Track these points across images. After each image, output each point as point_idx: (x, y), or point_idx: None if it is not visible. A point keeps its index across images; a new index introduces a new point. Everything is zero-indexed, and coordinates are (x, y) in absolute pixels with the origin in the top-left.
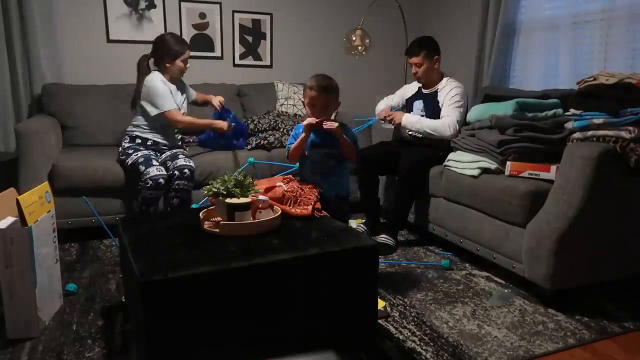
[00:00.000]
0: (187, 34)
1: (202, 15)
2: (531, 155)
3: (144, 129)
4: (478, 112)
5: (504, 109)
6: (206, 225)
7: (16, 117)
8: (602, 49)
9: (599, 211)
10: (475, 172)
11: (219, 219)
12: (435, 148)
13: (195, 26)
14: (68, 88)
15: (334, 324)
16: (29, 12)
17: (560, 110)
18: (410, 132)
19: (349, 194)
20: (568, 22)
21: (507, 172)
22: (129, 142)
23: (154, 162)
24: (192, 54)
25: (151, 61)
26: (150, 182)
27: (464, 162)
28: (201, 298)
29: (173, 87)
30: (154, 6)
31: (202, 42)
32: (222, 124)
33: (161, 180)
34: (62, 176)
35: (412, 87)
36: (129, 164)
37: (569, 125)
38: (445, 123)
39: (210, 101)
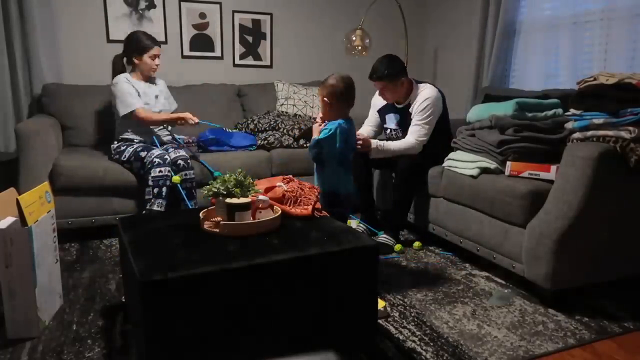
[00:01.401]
0: (187, 34)
1: (202, 15)
2: (531, 155)
3: (127, 131)
4: (478, 112)
5: (504, 109)
6: (206, 225)
7: (16, 117)
8: (602, 49)
9: (599, 211)
10: (475, 172)
11: (219, 219)
12: (433, 147)
13: (195, 26)
14: (68, 88)
15: (334, 324)
16: (29, 12)
17: (560, 110)
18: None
19: (333, 190)
20: (568, 22)
21: (507, 172)
22: (117, 143)
23: (154, 147)
24: (192, 53)
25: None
26: (157, 159)
27: (463, 162)
28: (201, 298)
29: (142, 84)
30: (154, 6)
31: (202, 42)
32: (186, 115)
33: (166, 156)
34: (62, 176)
35: (380, 98)
36: (126, 158)
37: (569, 125)
38: (410, 143)
39: (182, 119)
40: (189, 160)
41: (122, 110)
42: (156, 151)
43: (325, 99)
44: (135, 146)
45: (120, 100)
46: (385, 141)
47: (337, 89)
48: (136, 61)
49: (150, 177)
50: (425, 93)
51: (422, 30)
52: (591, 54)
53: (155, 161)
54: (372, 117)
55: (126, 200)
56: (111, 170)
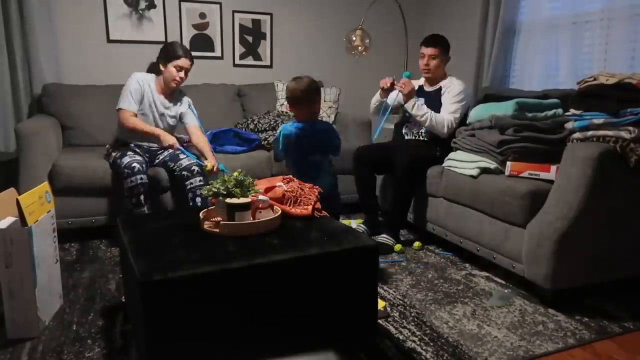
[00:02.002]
0: (187, 34)
1: (202, 15)
2: (531, 155)
3: (124, 133)
4: (478, 112)
5: (504, 109)
6: (206, 225)
7: (16, 117)
8: (602, 49)
9: (599, 211)
10: (475, 172)
11: (219, 219)
12: (431, 147)
13: (195, 26)
14: (68, 88)
15: (334, 324)
16: (29, 12)
17: (560, 110)
18: (405, 130)
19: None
20: (568, 22)
21: (507, 172)
22: (112, 144)
23: (128, 153)
24: (193, 53)
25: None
26: (127, 170)
27: (463, 162)
28: (201, 298)
29: (157, 96)
30: (154, 6)
31: (202, 42)
32: (169, 138)
33: (135, 164)
34: (62, 176)
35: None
36: (110, 162)
37: (569, 125)
38: (445, 121)
39: (159, 137)
40: (192, 169)
41: (117, 105)
42: (127, 159)
43: (286, 102)
44: (117, 153)
45: (122, 95)
46: (425, 106)
47: (294, 93)
48: (162, 68)
49: (124, 189)
50: (459, 83)
51: (422, 30)
52: (591, 54)
53: (124, 172)
54: (392, 94)
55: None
56: (111, 170)
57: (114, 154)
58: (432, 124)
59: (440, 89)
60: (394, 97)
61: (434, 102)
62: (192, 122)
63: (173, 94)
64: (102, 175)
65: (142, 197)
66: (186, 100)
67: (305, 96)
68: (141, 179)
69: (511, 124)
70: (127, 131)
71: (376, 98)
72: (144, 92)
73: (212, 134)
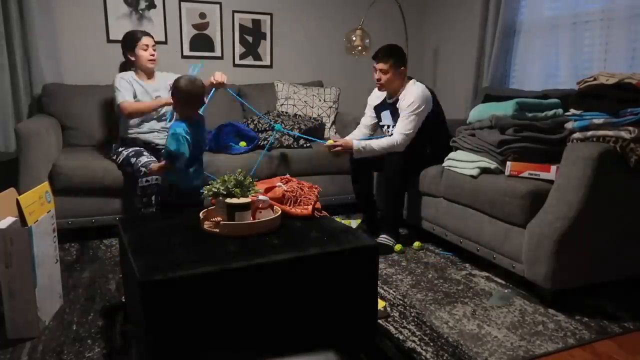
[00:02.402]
0: (187, 34)
1: (202, 15)
2: (531, 155)
3: (129, 130)
4: (478, 112)
5: (504, 109)
6: (206, 225)
7: (16, 117)
8: (602, 49)
9: (599, 211)
10: (475, 172)
11: (219, 219)
12: (420, 146)
13: (195, 26)
14: (68, 88)
15: (334, 324)
16: (29, 12)
17: (560, 110)
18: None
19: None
20: (568, 22)
21: (507, 172)
22: (118, 142)
23: (145, 153)
24: (192, 53)
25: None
26: (143, 169)
27: (463, 162)
28: (201, 298)
29: (142, 84)
30: (154, 6)
31: (202, 42)
32: (166, 100)
33: (152, 165)
34: (62, 176)
35: (376, 95)
36: (120, 161)
37: (569, 125)
38: (393, 141)
39: (169, 103)
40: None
41: (115, 106)
42: (144, 158)
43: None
44: (129, 150)
45: (115, 92)
46: (367, 140)
47: (177, 93)
48: (132, 58)
49: (138, 187)
50: (413, 89)
51: (422, 30)
52: (591, 54)
53: (141, 170)
54: (367, 118)
55: (125, 201)
56: (111, 170)
57: (125, 152)
58: (384, 150)
59: (397, 99)
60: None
61: (396, 113)
62: None
63: (154, 76)
64: (102, 175)
65: (153, 197)
66: (171, 76)
67: (186, 98)
68: (156, 179)
69: (511, 124)
70: (135, 126)
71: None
72: (131, 84)
73: (212, 135)
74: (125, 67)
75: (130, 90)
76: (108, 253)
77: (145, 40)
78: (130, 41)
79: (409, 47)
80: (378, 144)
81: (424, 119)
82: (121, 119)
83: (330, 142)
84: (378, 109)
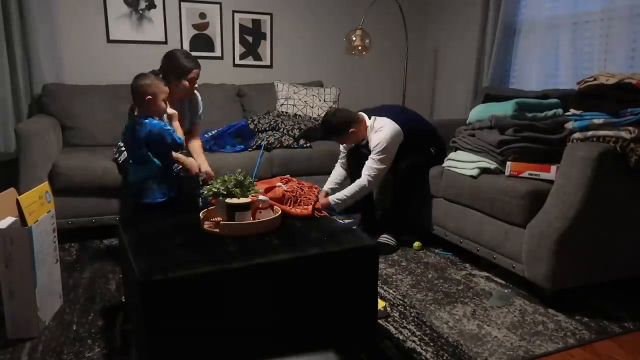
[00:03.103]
0: (187, 34)
1: (202, 15)
2: (531, 155)
3: None
4: (478, 112)
5: (504, 109)
6: (206, 225)
7: (16, 117)
8: (602, 49)
9: (599, 211)
10: (474, 172)
11: (219, 219)
12: (425, 147)
13: (195, 26)
14: (68, 88)
15: (334, 324)
16: (29, 13)
17: (560, 110)
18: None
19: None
20: (568, 22)
21: (507, 173)
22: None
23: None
24: (193, 54)
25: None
26: None
27: (463, 162)
28: (201, 298)
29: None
30: (154, 6)
31: (202, 42)
32: (191, 164)
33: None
34: (62, 176)
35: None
36: (122, 161)
37: (569, 125)
38: (361, 184)
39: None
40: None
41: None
42: None
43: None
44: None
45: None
46: (340, 193)
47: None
48: (173, 85)
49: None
50: (378, 136)
51: (422, 30)
52: (591, 54)
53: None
54: (343, 157)
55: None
56: (110, 170)
57: (125, 152)
58: (358, 195)
59: (367, 141)
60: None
61: (368, 152)
62: (197, 121)
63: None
64: (102, 175)
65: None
66: (197, 99)
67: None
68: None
69: (511, 124)
70: None
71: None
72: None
73: (211, 139)
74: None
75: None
76: (108, 253)
77: (195, 73)
78: (181, 71)
79: (409, 47)
80: (350, 192)
81: (396, 150)
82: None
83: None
84: (354, 148)
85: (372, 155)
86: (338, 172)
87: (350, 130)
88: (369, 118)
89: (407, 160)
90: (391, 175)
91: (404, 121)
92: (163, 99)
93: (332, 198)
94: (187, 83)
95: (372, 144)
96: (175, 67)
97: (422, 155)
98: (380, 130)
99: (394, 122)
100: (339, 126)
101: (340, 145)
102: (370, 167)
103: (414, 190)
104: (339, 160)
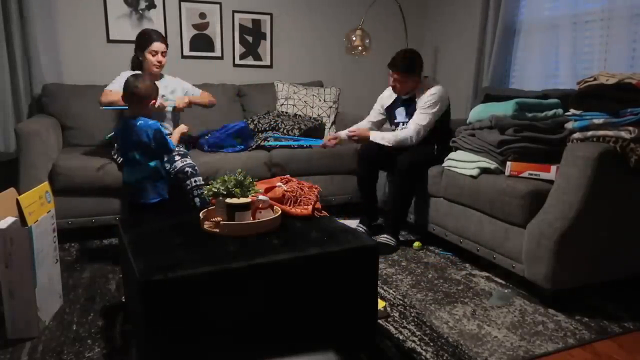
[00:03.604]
0: (187, 34)
1: (202, 15)
2: (531, 155)
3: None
4: (478, 112)
5: (504, 109)
6: (206, 225)
7: (16, 117)
8: (602, 49)
9: (599, 211)
10: (475, 172)
11: (219, 219)
12: (428, 146)
13: (195, 26)
14: (68, 88)
15: (334, 324)
16: (29, 12)
17: (560, 110)
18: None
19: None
20: (568, 22)
21: (507, 172)
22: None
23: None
24: (192, 54)
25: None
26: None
27: (463, 162)
28: (201, 298)
29: None
30: (154, 6)
31: (202, 42)
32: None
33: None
34: (61, 176)
35: (388, 95)
36: (120, 161)
37: (569, 125)
38: (407, 132)
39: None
40: (196, 167)
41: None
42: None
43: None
44: None
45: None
46: (383, 133)
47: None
48: (140, 58)
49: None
50: (434, 89)
51: (422, 30)
52: (591, 54)
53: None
54: (375, 113)
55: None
56: (110, 170)
57: None
58: (398, 142)
59: (413, 96)
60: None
61: (410, 109)
62: (195, 92)
63: (161, 79)
64: (101, 175)
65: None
66: (175, 82)
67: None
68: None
69: (511, 124)
70: None
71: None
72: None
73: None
74: (136, 61)
75: (118, 82)
76: (108, 253)
77: (155, 45)
78: (142, 42)
79: (409, 47)
80: (393, 137)
81: (438, 117)
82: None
83: (328, 137)
84: (391, 108)
85: (421, 106)
86: (366, 124)
87: (416, 77)
88: None
89: (407, 159)
90: (390, 174)
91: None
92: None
93: (374, 133)
94: (150, 56)
95: (424, 98)
96: (140, 40)
97: (422, 154)
98: (437, 86)
99: (443, 88)
100: (417, 62)
101: (376, 106)
102: (417, 117)
103: (413, 189)
104: (366, 119)
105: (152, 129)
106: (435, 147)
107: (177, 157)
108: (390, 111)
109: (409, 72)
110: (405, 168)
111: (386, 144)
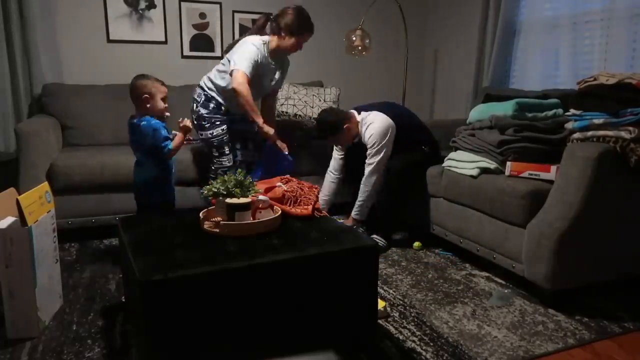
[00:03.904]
0: (187, 34)
1: (202, 15)
2: (531, 155)
3: (219, 92)
4: (478, 112)
5: (504, 109)
6: (206, 225)
7: (16, 117)
8: (602, 49)
9: (599, 211)
10: (475, 172)
11: (219, 219)
12: (417, 147)
13: (195, 26)
14: (68, 88)
15: (334, 324)
16: (29, 12)
17: (560, 111)
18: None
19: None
20: (568, 22)
21: (507, 173)
22: (208, 106)
23: (226, 150)
24: (192, 53)
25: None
26: (220, 171)
27: (463, 162)
28: (201, 298)
29: (269, 64)
30: (154, 6)
31: (202, 42)
32: (268, 129)
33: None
34: (61, 176)
35: (339, 149)
36: (211, 135)
37: (569, 125)
38: (371, 180)
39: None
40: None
41: (230, 66)
42: (230, 159)
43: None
44: (226, 130)
45: (240, 55)
46: (359, 201)
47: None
48: (284, 36)
49: (213, 168)
50: (369, 129)
51: (422, 30)
52: (591, 54)
53: (219, 171)
54: (336, 153)
55: (126, 199)
56: (109, 166)
57: (219, 129)
58: (376, 185)
59: (360, 140)
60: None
61: (362, 151)
62: (279, 85)
63: (280, 59)
64: (100, 172)
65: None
66: (288, 63)
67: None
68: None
69: (511, 124)
70: (223, 90)
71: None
72: (258, 59)
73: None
74: (264, 26)
75: (251, 62)
76: (108, 253)
77: (308, 36)
78: (303, 28)
79: (409, 47)
80: (365, 195)
81: (391, 143)
82: (218, 72)
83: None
84: (348, 155)
85: (369, 151)
86: (328, 186)
87: (345, 126)
88: (359, 114)
89: (399, 161)
90: (383, 175)
91: (393, 115)
92: (161, 98)
93: (353, 214)
94: (297, 43)
95: (365, 138)
96: (302, 24)
97: (414, 155)
98: (372, 123)
99: (383, 114)
100: (334, 123)
101: (334, 151)
102: (371, 162)
103: (407, 190)
104: (329, 172)
105: (152, 128)
106: (424, 147)
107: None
108: (349, 157)
109: (332, 133)
110: (397, 170)
111: (367, 202)
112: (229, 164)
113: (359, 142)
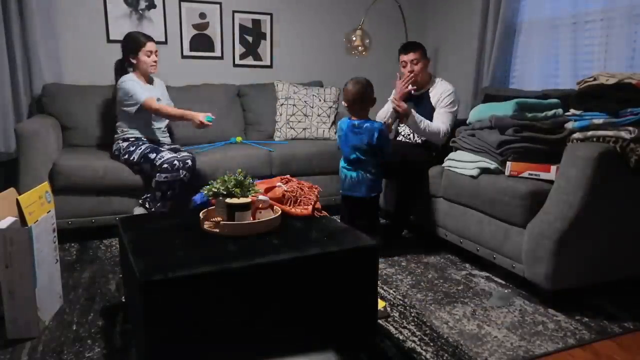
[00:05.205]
0: (187, 34)
1: (202, 15)
2: (531, 155)
3: (132, 132)
4: (478, 112)
5: (504, 109)
6: (206, 225)
7: (16, 117)
8: (602, 49)
9: (599, 211)
10: (475, 172)
11: (219, 219)
12: (426, 150)
13: (195, 26)
14: (68, 88)
15: (334, 323)
16: (29, 12)
17: (560, 111)
18: (402, 131)
19: None
20: (568, 22)
21: (507, 173)
22: (125, 142)
23: (163, 149)
24: (192, 53)
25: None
26: (166, 164)
27: (463, 162)
28: (201, 298)
29: (146, 86)
30: (154, 6)
31: (202, 42)
32: (195, 115)
33: (175, 162)
34: (61, 176)
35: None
36: (135, 159)
37: (569, 125)
38: (438, 128)
39: (190, 118)
40: (196, 162)
41: (134, 106)
42: (166, 154)
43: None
44: (143, 147)
45: (130, 95)
46: (421, 117)
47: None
48: (134, 61)
49: (154, 181)
50: (449, 86)
51: (422, 30)
52: (591, 54)
53: (164, 165)
54: (387, 106)
55: (126, 200)
56: (111, 169)
57: (138, 150)
58: (428, 134)
59: (426, 93)
60: (386, 114)
61: (424, 106)
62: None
63: (153, 81)
64: (101, 175)
65: (169, 193)
66: (161, 83)
67: (352, 98)
68: (176, 177)
69: (511, 124)
70: (140, 128)
71: (385, 112)
72: (139, 84)
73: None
74: (121, 65)
75: (142, 89)
76: (108, 253)
77: (149, 46)
78: (134, 45)
79: None
80: (427, 123)
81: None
82: (123, 119)
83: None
84: None
85: (443, 103)
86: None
87: (427, 58)
88: None
89: (410, 160)
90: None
91: None
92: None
93: (414, 112)
94: (145, 57)
95: (442, 93)
96: (130, 43)
97: (421, 155)
98: (446, 84)
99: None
100: (424, 47)
101: (386, 106)
102: (444, 116)
103: (412, 191)
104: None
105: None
106: (434, 152)
107: (182, 149)
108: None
109: (421, 50)
110: (407, 172)
111: (421, 126)
112: (169, 155)
113: (418, 97)
